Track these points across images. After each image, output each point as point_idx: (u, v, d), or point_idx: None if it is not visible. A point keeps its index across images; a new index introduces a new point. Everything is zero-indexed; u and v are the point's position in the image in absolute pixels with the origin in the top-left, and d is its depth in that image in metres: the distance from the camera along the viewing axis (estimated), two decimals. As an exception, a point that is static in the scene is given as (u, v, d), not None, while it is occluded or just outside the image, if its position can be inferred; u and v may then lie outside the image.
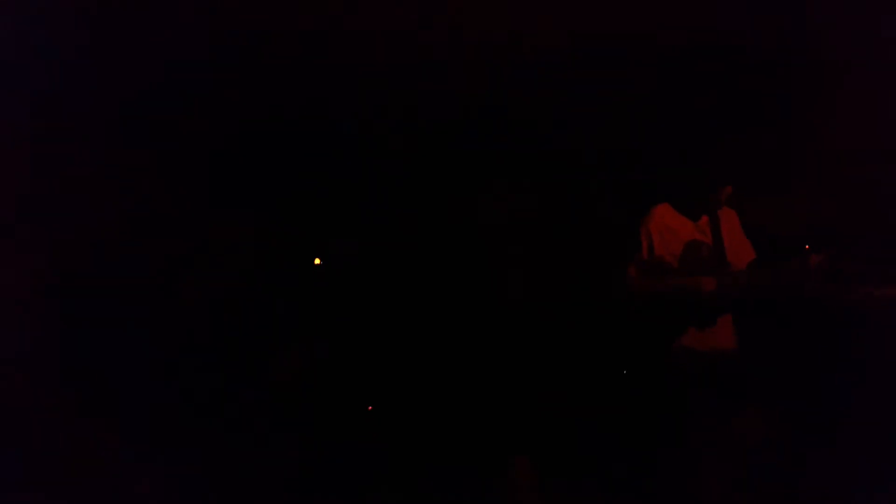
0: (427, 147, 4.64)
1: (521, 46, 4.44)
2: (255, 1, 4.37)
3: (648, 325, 4.02)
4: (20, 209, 4.03)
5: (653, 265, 3.95)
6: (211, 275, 4.42)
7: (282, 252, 4.64)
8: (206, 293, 4.38)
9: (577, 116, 4.54)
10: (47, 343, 3.95)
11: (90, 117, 4.15)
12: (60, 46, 4.10)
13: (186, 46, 4.26)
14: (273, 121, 4.55)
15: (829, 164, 4.40)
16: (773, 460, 3.96)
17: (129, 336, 4.11)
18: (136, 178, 4.25)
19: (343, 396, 4.51)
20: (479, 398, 4.47)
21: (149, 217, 4.26)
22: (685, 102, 4.49)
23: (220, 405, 4.15)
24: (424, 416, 4.47)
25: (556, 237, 4.61)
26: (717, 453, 3.89)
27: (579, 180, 4.63)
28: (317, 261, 4.75)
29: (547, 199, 4.64)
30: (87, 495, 3.78)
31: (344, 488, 4.19)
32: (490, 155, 4.64)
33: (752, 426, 3.96)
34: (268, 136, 4.57)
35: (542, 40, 4.40)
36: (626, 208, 4.16)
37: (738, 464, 3.90)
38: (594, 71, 4.49)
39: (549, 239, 4.61)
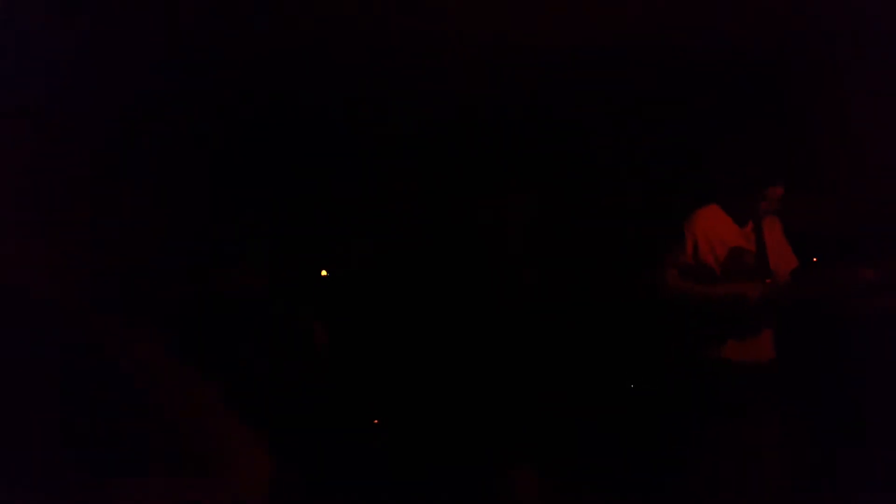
0: (463, 150, 4.56)
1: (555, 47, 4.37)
2: (256, 1, 4.31)
3: (686, 330, 3.90)
4: (20, 210, 3.85)
5: (696, 270, 3.84)
6: (216, 278, 4.33)
7: (286, 255, 4.56)
8: (211, 297, 4.27)
9: (624, 116, 4.48)
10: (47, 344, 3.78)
11: (90, 117, 4.00)
12: (60, 46, 3.91)
13: (187, 46, 4.23)
14: (272, 122, 4.54)
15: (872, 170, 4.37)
16: (813, 473, 3.89)
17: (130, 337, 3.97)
18: (137, 180, 4.12)
19: (349, 399, 4.45)
20: (507, 402, 4.43)
21: (150, 220, 4.10)
22: (744, 103, 4.43)
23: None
24: (453, 418, 4.44)
25: (588, 239, 4.54)
26: (753, 462, 3.77)
27: (626, 181, 4.56)
28: (323, 272, 4.63)
29: (584, 200, 4.57)
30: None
31: (347, 490, 4.13)
32: (519, 158, 4.57)
33: (789, 436, 3.86)
34: (266, 137, 4.54)
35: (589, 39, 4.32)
36: (671, 208, 4.06)
37: (773, 474, 3.79)
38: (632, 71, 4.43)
39: (582, 242, 4.54)
